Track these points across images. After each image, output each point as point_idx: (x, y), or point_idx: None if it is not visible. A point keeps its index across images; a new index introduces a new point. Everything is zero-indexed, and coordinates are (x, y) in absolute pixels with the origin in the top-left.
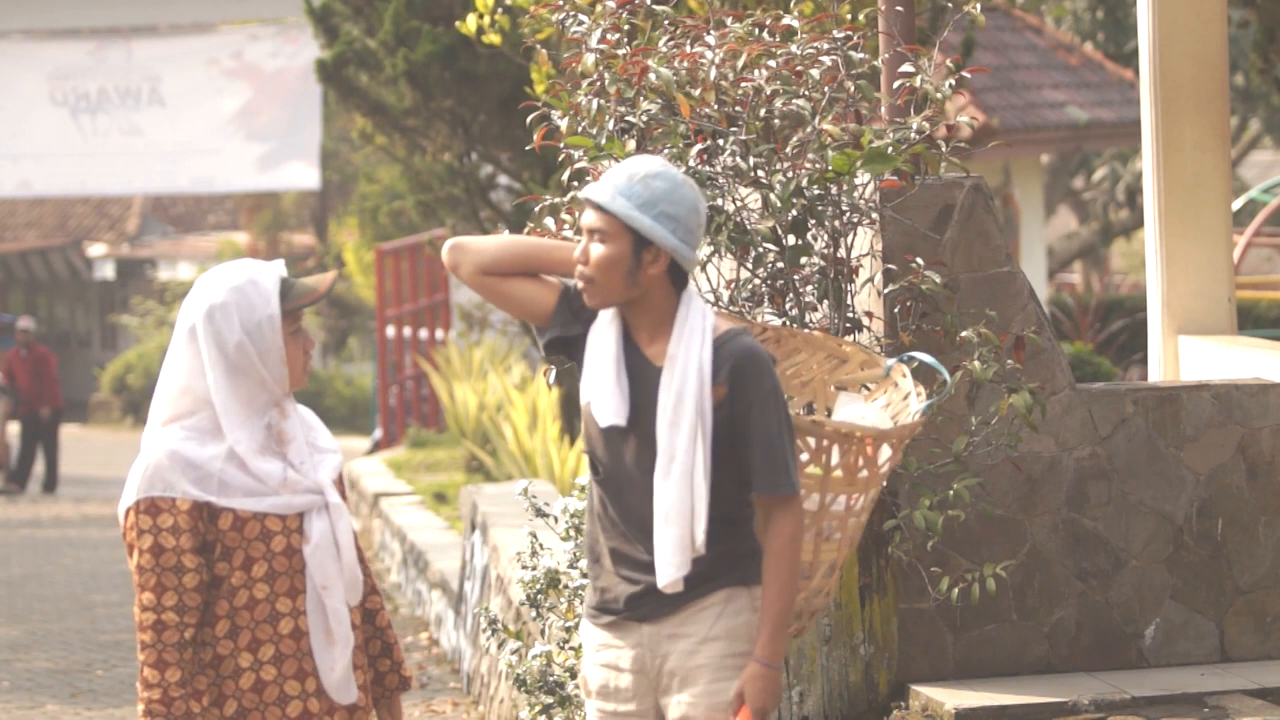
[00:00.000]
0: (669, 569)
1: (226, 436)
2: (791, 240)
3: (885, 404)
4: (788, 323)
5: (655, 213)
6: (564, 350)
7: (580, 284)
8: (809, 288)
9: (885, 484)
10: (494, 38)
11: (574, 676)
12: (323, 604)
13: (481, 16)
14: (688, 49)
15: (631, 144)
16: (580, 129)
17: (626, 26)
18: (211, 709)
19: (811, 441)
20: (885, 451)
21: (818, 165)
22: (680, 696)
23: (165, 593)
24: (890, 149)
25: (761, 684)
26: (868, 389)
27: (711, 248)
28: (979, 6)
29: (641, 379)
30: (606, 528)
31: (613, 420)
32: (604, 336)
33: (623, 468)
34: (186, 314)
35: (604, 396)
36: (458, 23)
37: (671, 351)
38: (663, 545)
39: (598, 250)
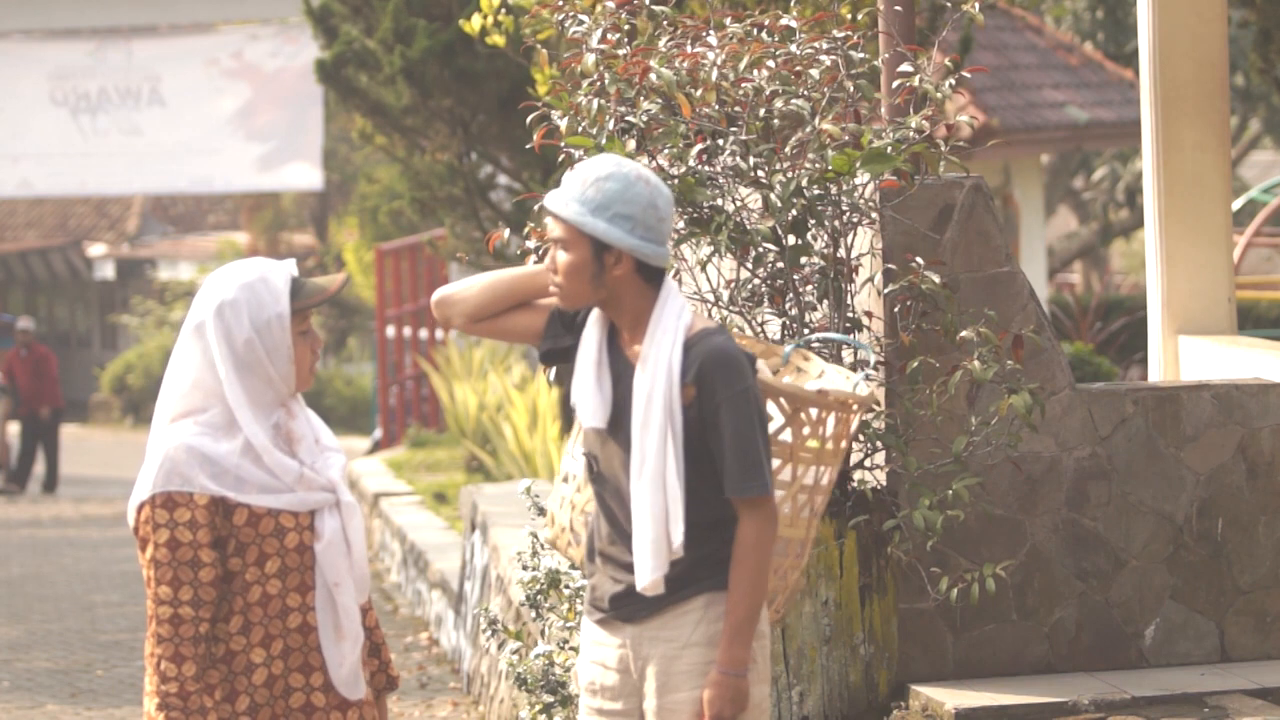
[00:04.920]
0: (646, 571)
1: (243, 429)
2: (791, 240)
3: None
4: (788, 322)
5: (609, 215)
6: (559, 359)
7: (553, 290)
8: (809, 288)
9: (885, 484)
10: (498, 38)
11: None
12: (333, 601)
13: (486, 16)
14: (688, 49)
15: (631, 144)
16: (580, 129)
17: (627, 27)
18: (223, 704)
19: (815, 412)
20: (854, 423)
21: (818, 165)
22: (661, 701)
23: (181, 587)
24: (890, 149)
25: (719, 691)
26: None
27: (711, 248)
28: (978, 6)
29: (621, 380)
30: (598, 527)
31: (593, 422)
32: (589, 337)
33: (609, 468)
34: (196, 309)
35: (585, 398)
36: (461, 21)
37: (644, 352)
38: (640, 547)
39: (562, 258)
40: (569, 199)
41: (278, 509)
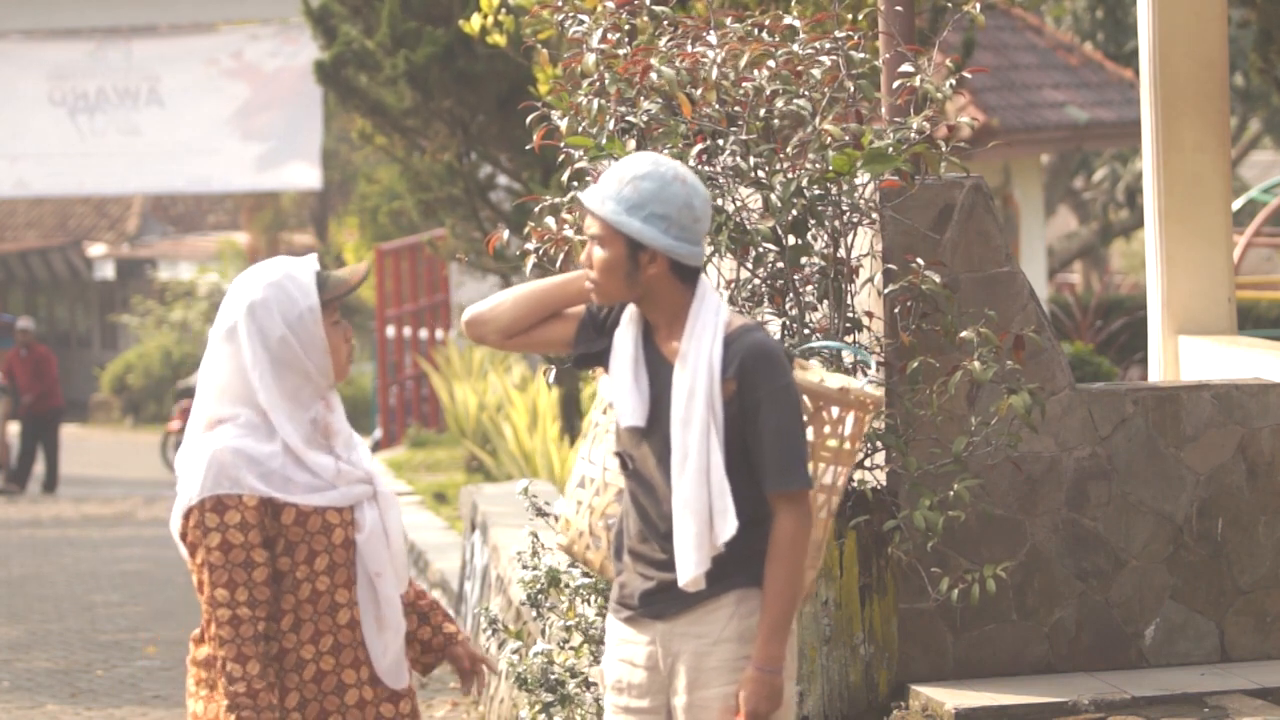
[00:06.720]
0: (688, 566)
1: (278, 430)
2: (791, 240)
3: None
4: (788, 323)
5: (644, 215)
6: (592, 364)
7: (589, 285)
8: (809, 288)
9: (885, 484)
10: (498, 39)
11: (574, 676)
12: (375, 591)
13: (486, 16)
14: (689, 49)
15: (631, 144)
16: (580, 129)
17: (627, 27)
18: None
19: (835, 411)
20: (867, 424)
21: (818, 165)
22: (692, 697)
23: (237, 588)
24: (890, 149)
25: (755, 688)
26: None
27: (712, 248)
28: (979, 6)
29: (658, 377)
30: (630, 524)
31: (632, 420)
32: (624, 336)
33: (645, 466)
34: (226, 313)
35: (623, 397)
36: (461, 22)
37: (683, 349)
38: (682, 543)
39: (598, 254)
40: (605, 196)
41: (324, 506)
